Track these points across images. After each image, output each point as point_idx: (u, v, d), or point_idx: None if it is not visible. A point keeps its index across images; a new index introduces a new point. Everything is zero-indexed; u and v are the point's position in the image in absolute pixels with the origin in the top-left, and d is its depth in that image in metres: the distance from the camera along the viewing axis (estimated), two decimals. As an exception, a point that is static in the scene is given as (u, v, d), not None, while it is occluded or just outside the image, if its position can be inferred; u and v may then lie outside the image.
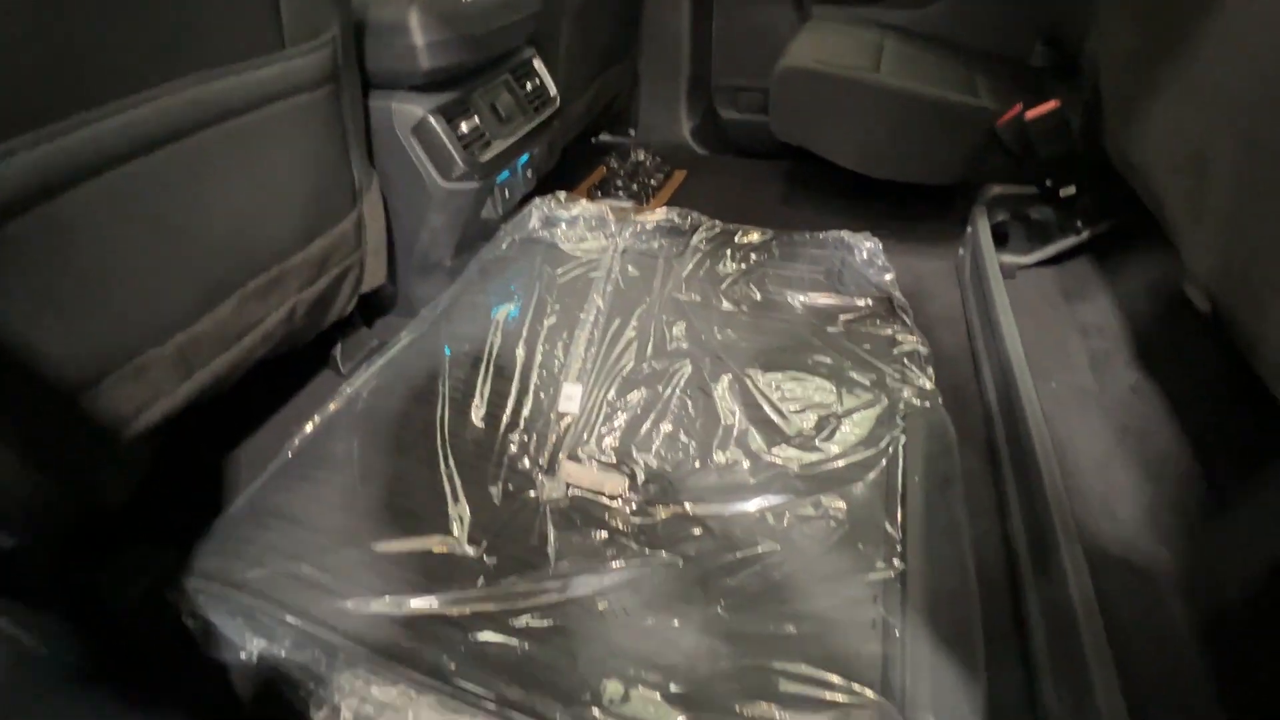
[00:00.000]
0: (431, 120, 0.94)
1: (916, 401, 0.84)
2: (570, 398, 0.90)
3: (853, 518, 0.71)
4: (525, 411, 0.88)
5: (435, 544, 0.71)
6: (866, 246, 1.18)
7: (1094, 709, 0.47)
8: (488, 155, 1.03)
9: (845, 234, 1.21)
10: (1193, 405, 0.75)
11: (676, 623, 0.64)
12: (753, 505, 0.75)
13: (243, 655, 0.63)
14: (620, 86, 1.67)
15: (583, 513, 0.75)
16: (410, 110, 0.93)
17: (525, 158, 1.16)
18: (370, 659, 0.60)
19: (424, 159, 0.96)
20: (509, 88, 1.10)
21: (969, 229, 1.11)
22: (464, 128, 1.00)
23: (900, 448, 0.77)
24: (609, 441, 0.85)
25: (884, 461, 0.76)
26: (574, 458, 0.82)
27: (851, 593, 0.64)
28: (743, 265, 1.19)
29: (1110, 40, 0.75)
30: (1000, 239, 1.10)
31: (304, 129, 0.73)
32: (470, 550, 0.71)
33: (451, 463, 0.79)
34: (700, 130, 1.83)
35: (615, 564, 0.69)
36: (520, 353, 0.97)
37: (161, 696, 0.65)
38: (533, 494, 0.77)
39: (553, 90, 1.19)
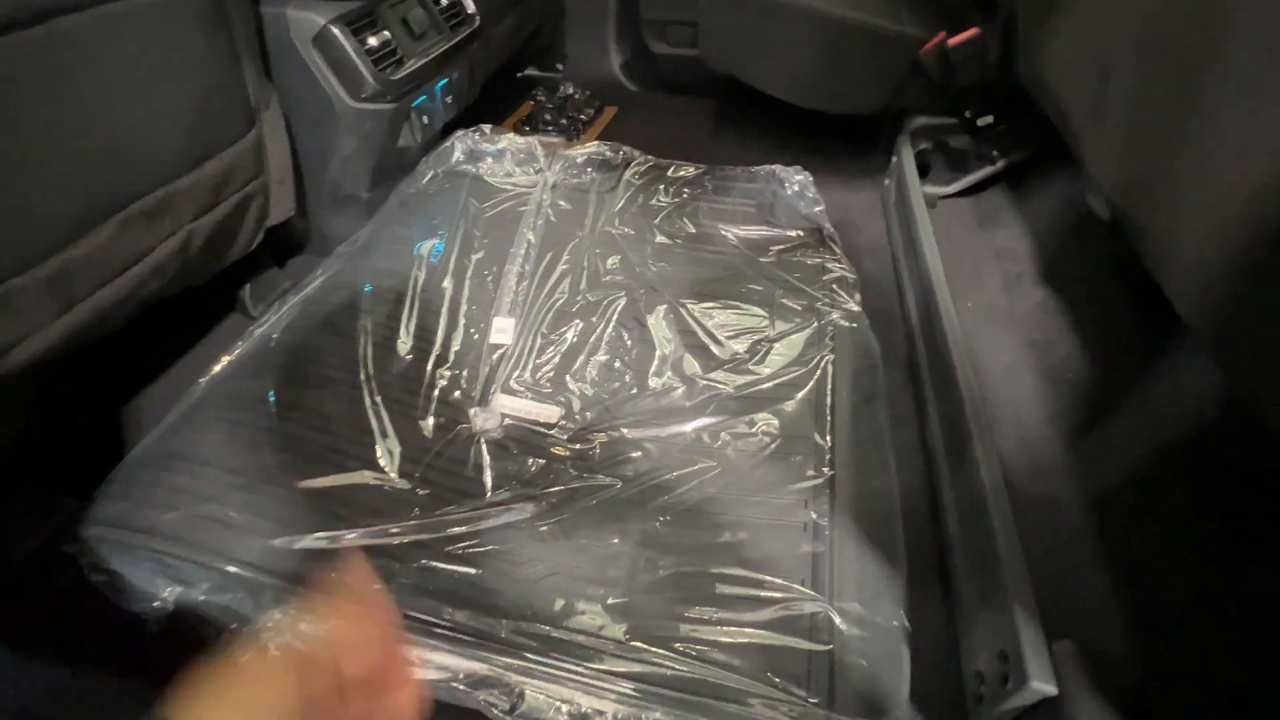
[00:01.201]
0: (334, 30, 0.86)
1: (844, 324, 0.87)
2: (502, 330, 0.87)
3: (785, 432, 0.73)
4: (455, 346, 0.84)
5: (365, 479, 0.68)
6: (797, 180, 1.18)
7: (999, 582, 0.51)
8: (401, 73, 0.96)
9: (777, 168, 1.21)
10: (1091, 316, 0.81)
11: (616, 540, 0.64)
12: (689, 427, 0.76)
13: (156, 604, 0.59)
14: (544, 17, 1.58)
15: (519, 442, 0.74)
16: (308, 18, 0.84)
17: (444, 82, 1.08)
18: (303, 596, 0.58)
19: (329, 75, 0.88)
20: (422, 3, 1.02)
21: (894, 159, 1.14)
22: (372, 42, 0.92)
23: (828, 366, 0.80)
24: (544, 372, 0.83)
25: (813, 380, 0.79)
26: (508, 390, 0.80)
27: (783, 500, 0.66)
28: (676, 199, 1.17)
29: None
30: (923, 170, 1.13)
31: (182, 29, 0.65)
32: (403, 484, 0.68)
33: (378, 398, 0.76)
34: (630, 65, 1.77)
35: (554, 489, 0.69)
36: (448, 287, 0.93)
37: (67, 653, 0.61)
38: (466, 427, 0.75)
39: (470, 8, 1.11)
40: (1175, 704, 0.43)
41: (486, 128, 1.27)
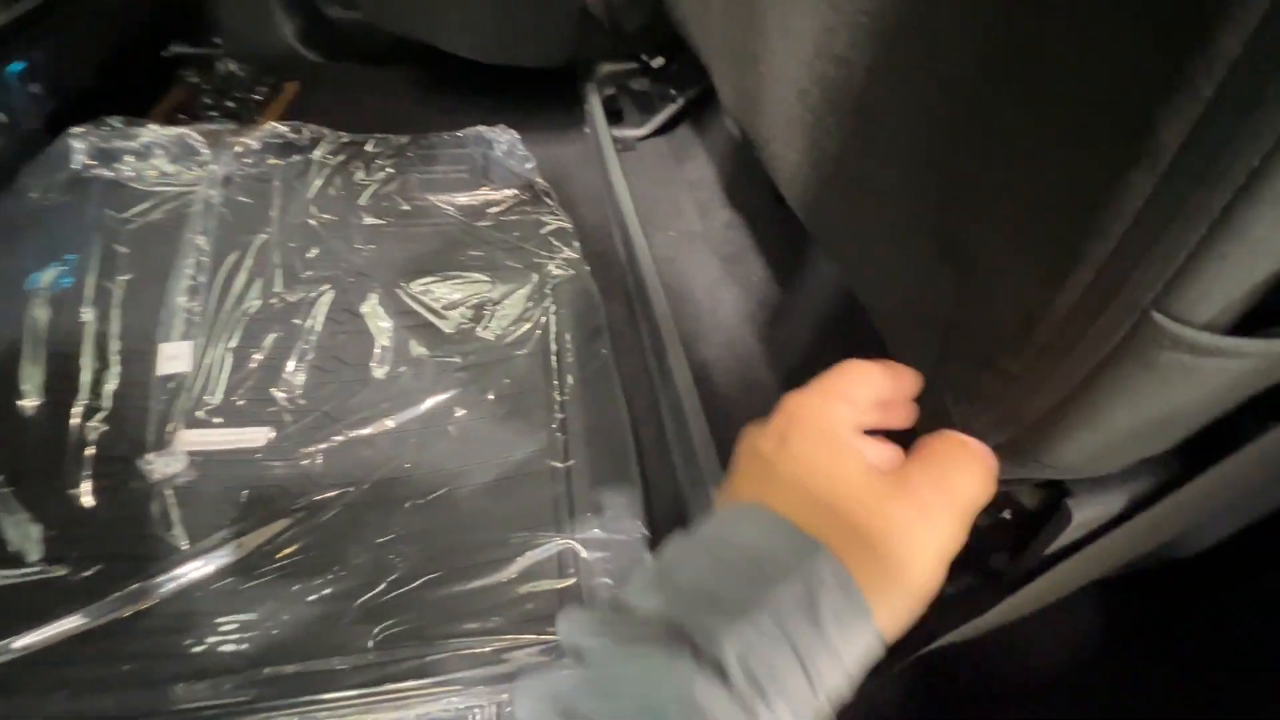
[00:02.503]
0: None
1: (563, 272, 0.89)
2: (175, 357, 0.73)
3: (518, 388, 0.74)
4: (109, 388, 0.69)
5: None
6: (505, 139, 1.17)
7: (699, 474, 0.58)
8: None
9: (483, 129, 1.18)
10: (761, 224, 0.93)
11: (355, 547, 0.60)
12: (422, 409, 0.73)
13: None
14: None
15: (218, 480, 0.64)
16: None
17: (18, 67, 0.85)
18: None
19: None
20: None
21: (586, 109, 1.18)
22: None
23: (551, 316, 0.82)
24: (241, 392, 0.72)
25: (539, 332, 0.80)
26: (194, 423, 0.68)
27: (523, 455, 0.67)
28: (380, 175, 1.09)
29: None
30: (617, 115, 1.19)
31: None
32: (58, 571, 0.55)
33: (-3, 477, 0.59)
34: (309, 33, 1.57)
35: (276, 520, 0.61)
36: (88, 321, 0.75)
37: None
38: (140, 480, 0.62)
39: (35, -30, 0.88)
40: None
41: (116, 120, 1.04)
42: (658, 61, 1.15)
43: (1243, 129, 0.16)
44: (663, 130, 1.19)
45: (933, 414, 0.31)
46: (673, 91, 1.17)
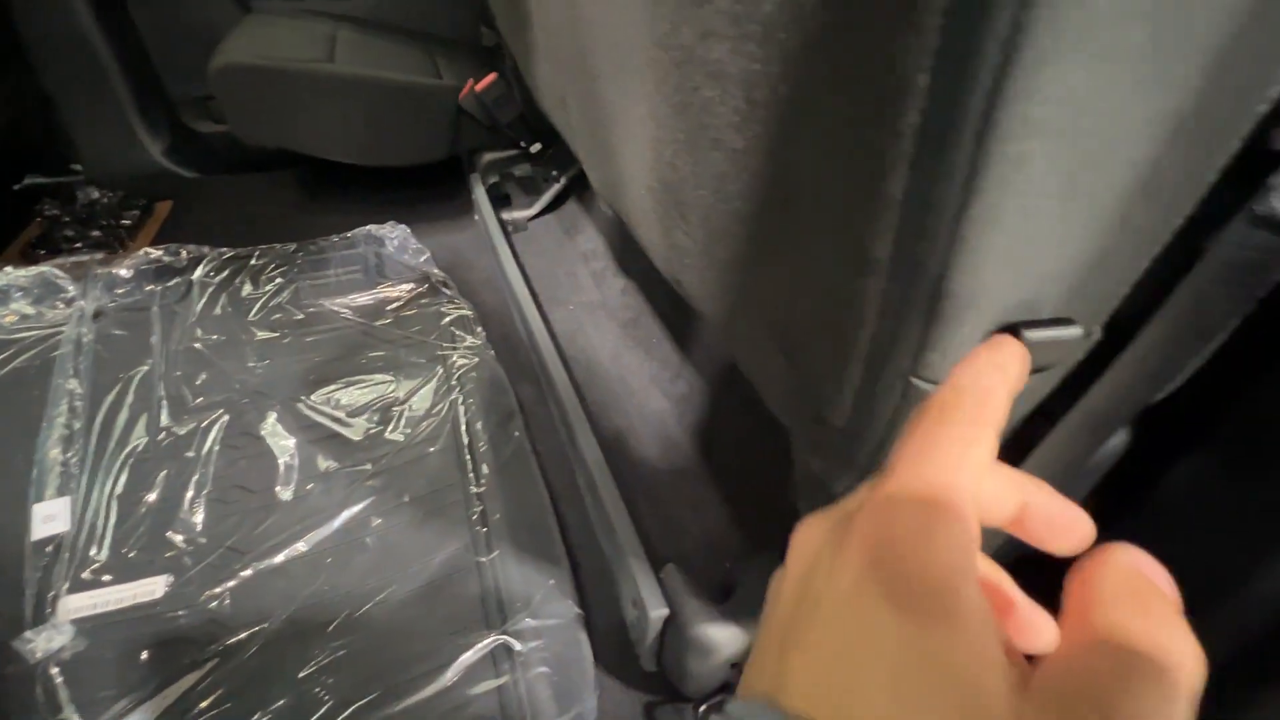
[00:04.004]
0: None
1: (469, 360, 0.90)
2: (51, 518, 0.68)
3: (433, 486, 0.73)
4: (-27, 566, 0.63)
5: None
6: (397, 234, 1.18)
7: (615, 537, 0.60)
8: None
9: (373, 228, 1.19)
10: (655, 288, 0.98)
11: (275, 689, 0.56)
12: (337, 524, 0.71)
13: None
14: (18, 114, 1.27)
15: (114, 644, 0.59)
16: None
17: None
18: None
19: None
20: None
21: (474, 198, 1.22)
22: None
23: (460, 407, 0.82)
24: (133, 541, 0.68)
25: (449, 425, 0.80)
26: (79, 586, 0.63)
27: (444, 556, 0.66)
28: (269, 287, 1.07)
29: (500, 19, 0.88)
30: (505, 199, 1.24)
31: None
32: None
33: None
34: (178, 149, 1.54)
35: (181, 679, 0.57)
36: (-57, 494, 0.69)
37: None
38: (18, 662, 0.57)
39: None
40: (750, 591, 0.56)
41: (-37, 268, 0.98)
42: (536, 147, 1.22)
43: (928, 244, 0.21)
44: (551, 208, 1.25)
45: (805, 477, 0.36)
46: (554, 172, 1.24)
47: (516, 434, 0.79)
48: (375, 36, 1.27)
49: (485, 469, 0.74)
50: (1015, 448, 0.32)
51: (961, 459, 0.17)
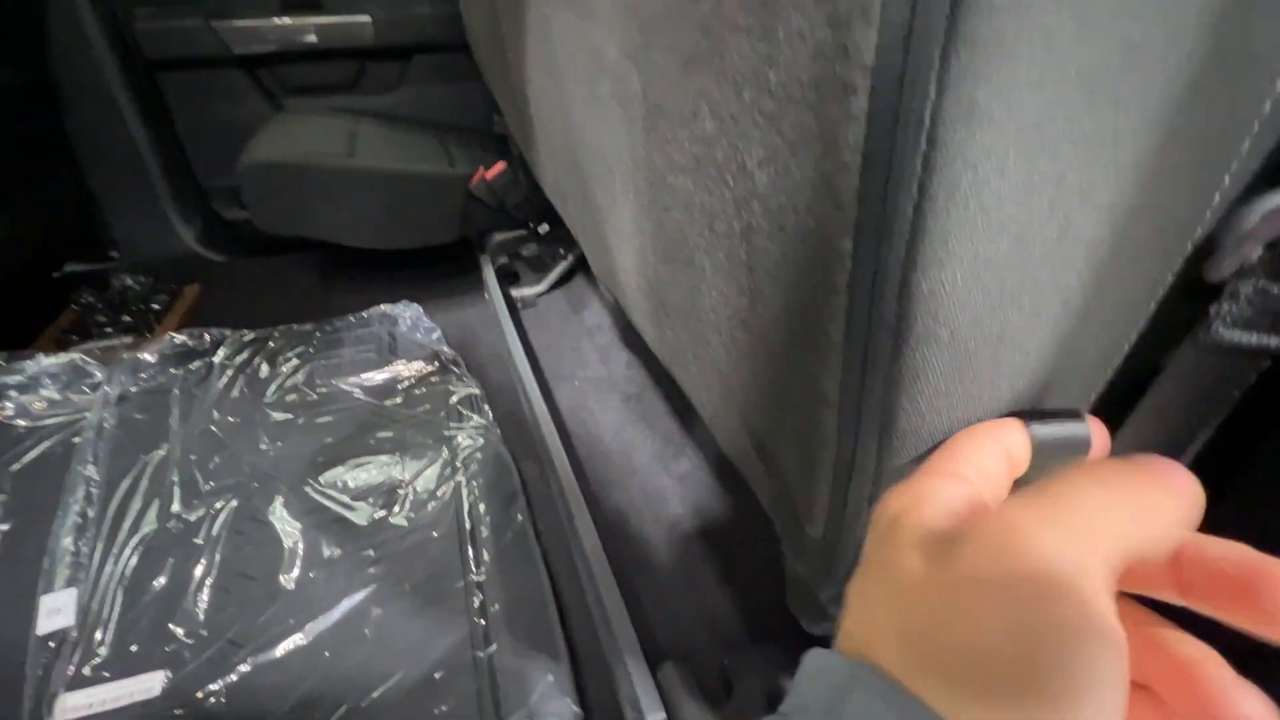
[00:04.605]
0: None
1: (474, 441, 0.91)
2: (57, 611, 0.69)
3: (433, 571, 0.73)
4: (-22, 662, 0.64)
5: None
6: (409, 313, 1.23)
7: (611, 635, 0.58)
8: None
9: (386, 307, 1.24)
10: (657, 360, 1.00)
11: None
12: (337, 615, 0.70)
13: None
14: (63, 206, 1.36)
15: (108, 743, 0.58)
16: None
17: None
18: None
19: None
20: None
21: (484, 278, 1.26)
22: None
23: (464, 490, 0.83)
24: (135, 634, 0.68)
25: (453, 510, 0.80)
26: (79, 683, 0.63)
27: (443, 649, 0.65)
28: (286, 368, 1.10)
29: (504, 113, 0.94)
30: (514, 276, 1.28)
31: None
32: None
33: None
34: (209, 235, 1.63)
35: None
36: (-43, 587, 0.70)
37: None
38: (13, 766, 0.56)
39: (-87, 234, 0.90)
40: (748, 689, 0.54)
41: (1, 356, 1.03)
42: (544, 228, 1.27)
43: (870, 385, 0.22)
44: (558, 284, 1.29)
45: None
46: (561, 250, 1.28)
47: (519, 517, 0.79)
48: (393, 129, 1.36)
49: (486, 555, 0.74)
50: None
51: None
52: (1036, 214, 0.18)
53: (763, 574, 0.68)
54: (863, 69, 0.17)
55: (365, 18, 1.41)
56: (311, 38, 1.42)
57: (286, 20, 1.40)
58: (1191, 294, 0.24)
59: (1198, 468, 0.28)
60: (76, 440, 0.92)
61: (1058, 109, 0.16)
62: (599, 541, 0.67)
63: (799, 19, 0.19)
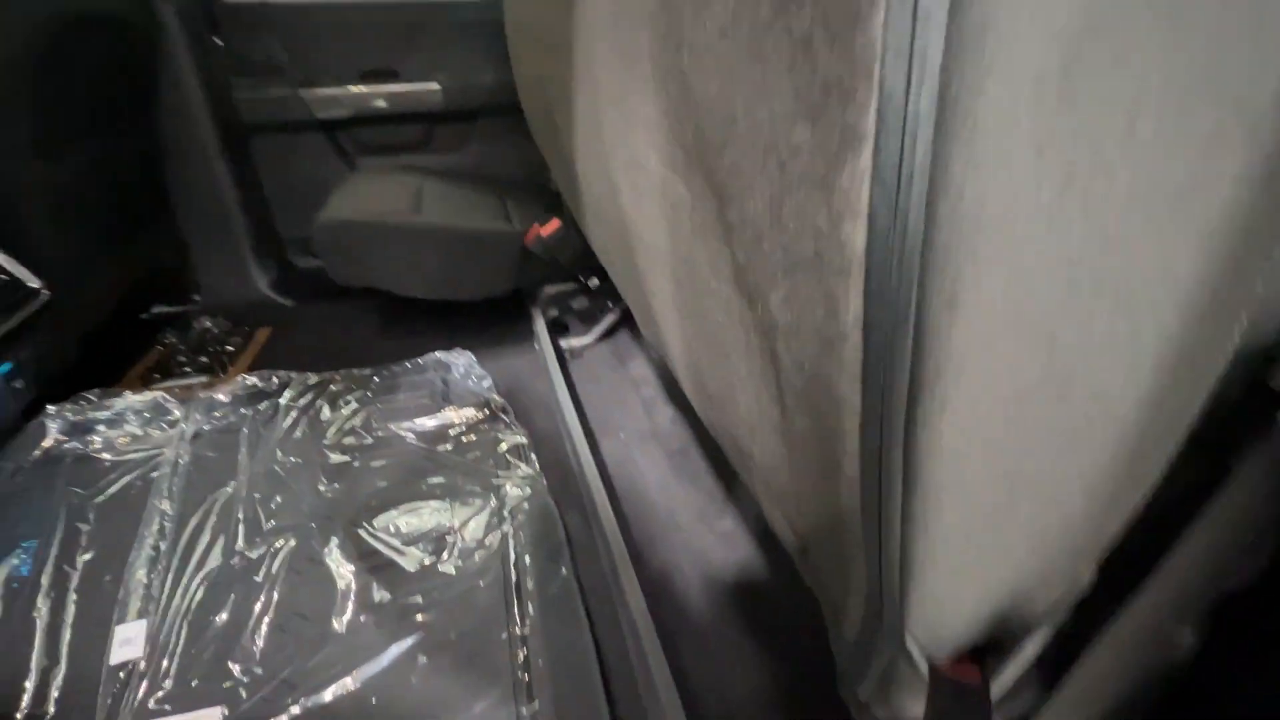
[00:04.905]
0: None
1: (521, 491, 0.93)
2: (128, 641, 0.72)
3: (479, 624, 0.74)
4: (56, 687, 0.67)
5: None
6: (463, 361, 1.27)
7: (658, 705, 0.58)
8: (-77, 383, 0.80)
9: (441, 354, 1.29)
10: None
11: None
12: (385, 662, 0.72)
13: None
14: (160, 254, 1.49)
15: (165, 780, 0.61)
16: None
17: (6, 367, 0.93)
18: None
19: None
20: (-47, 293, 0.88)
21: (535, 329, 1.31)
22: None
23: (510, 540, 0.84)
24: (197, 669, 0.71)
25: (499, 560, 0.82)
26: (144, 715, 0.66)
27: (487, 703, 0.66)
28: (345, 411, 1.15)
29: (557, 178, 0.99)
30: (563, 328, 1.33)
31: None
32: None
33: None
34: (281, 281, 1.74)
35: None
36: (41, 614, 0.75)
37: None
38: (78, 795, 0.59)
39: (33, 282, 1.00)
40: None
41: (94, 394, 1.11)
42: (594, 283, 1.31)
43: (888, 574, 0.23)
44: (606, 336, 1.33)
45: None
46: (609, 304, 1.32)
47: (564, 570, 0.80)
48: (456, 186, 1.45)
49: (531, 609, 0.75)
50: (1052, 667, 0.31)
51: None
52: (1031, 378, 0.19)
53: (809, 646, 0.67)
54: (857, 261, 0.19)
55: (435, 85, 1.53)
56: (385, 103, 1.54)
57: (363, 88, 1.53)
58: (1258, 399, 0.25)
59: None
60: (154, 475, 0.97)
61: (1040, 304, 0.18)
62: (644, 602, 0.67)
63: (801, 201, 0.21)
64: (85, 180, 1.18)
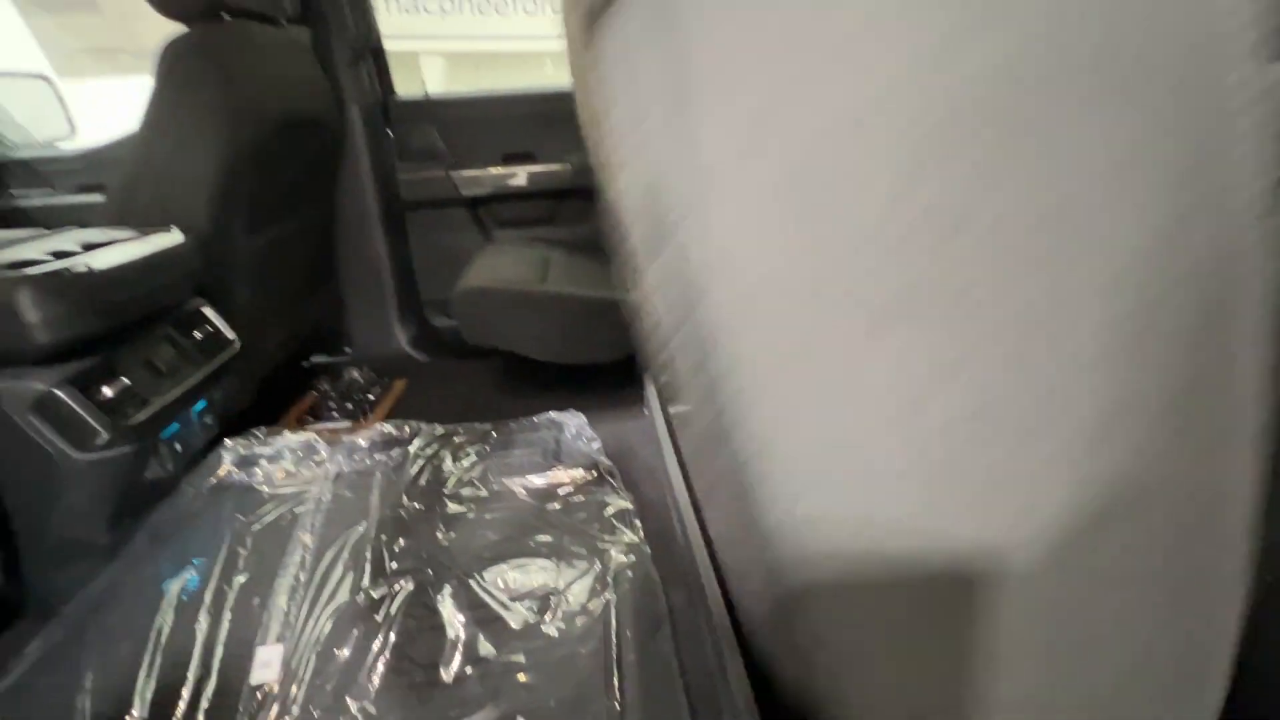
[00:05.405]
0: (59, 393, 0.85)
1: (625, 558, 0.93)
2: (267, 664, 0.79)
3: (579, 695, 0.73)
4: (205, 703, 0.74)
5: None
6: (574, 422, 1.32)
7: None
8: (142, 416, 0.95)
9: (554, 414, 1.35)
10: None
11: None
12: (485, 719, 0.72)
13: None
14: (324, 312, 1.70)
15: (283, 807, 0.64)
16: (24, 388, 0.83)
17: (202, 404, 1.09)
18: None
19: (50, 436, 0.84)
20: (170, 340, 1.06)
21: (645, 394, 1.33)
22: (107, 391, 0.91)
23: (613, 609, 0.83)
24: (319, 701, 0.75)
25: (600, 628, 0.81)
26: (272, 739, 0.71)
27: (583, 779, 0.64)
28: (465, 462, 1.23)
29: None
30: (674, 397, 1.34)
31: None
32: None
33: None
34: (419, 338, 1.93)
35: None
36: (202, 627, 0.84)
37: None
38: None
39: (230, 334, 1.17)
40: None
41: (261, 431, 1.26)
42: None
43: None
44: (714, 405, 1.32)
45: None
46: (720, 374, 1.33)
47: (665, 647, 0.78)
48: (580, 256, 1.55)
49: (630, 686, 0.73)
50: None
51: None
52: None
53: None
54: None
55: (565, 165, 1.67)
56: (522, 181, 1.70)
57: (503, 169, 1.71)
58: None
59: None
60: (299, 510, 1.08)
61: None
62: (750, 691, 0.63)
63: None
64: (277, 249, 1.39)
